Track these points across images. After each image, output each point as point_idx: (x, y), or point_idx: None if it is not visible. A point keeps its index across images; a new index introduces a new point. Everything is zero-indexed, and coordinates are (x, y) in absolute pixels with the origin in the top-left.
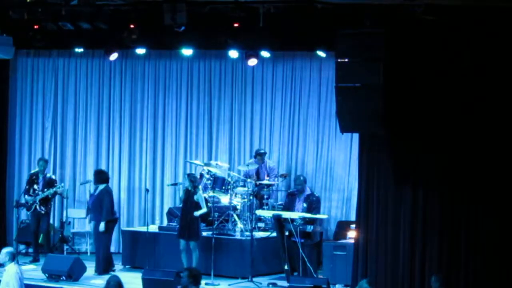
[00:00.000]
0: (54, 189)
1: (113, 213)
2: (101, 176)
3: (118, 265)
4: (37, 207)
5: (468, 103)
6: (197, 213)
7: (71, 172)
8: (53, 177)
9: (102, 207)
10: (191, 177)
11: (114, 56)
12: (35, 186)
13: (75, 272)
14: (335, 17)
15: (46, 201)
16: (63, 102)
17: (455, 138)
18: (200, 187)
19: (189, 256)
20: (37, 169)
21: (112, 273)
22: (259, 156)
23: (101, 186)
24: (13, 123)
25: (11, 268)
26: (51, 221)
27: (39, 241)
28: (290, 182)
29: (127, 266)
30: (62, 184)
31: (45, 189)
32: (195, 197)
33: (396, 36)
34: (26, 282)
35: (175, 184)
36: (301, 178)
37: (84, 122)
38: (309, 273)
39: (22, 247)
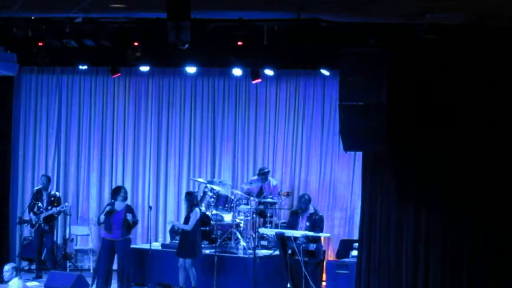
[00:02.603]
0: (58, 208)
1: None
2: (126, 193)
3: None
4: (41, 224)
5: (472, 122)
6: (180, 225)
7: (74, 189)
8: (57, 194)
9: (135, 219)
10: (187, 197)
11: (116, 74)
12: (39, 204)
13: None
14: (339, 36)
15: (51, 219)
16: (67, 119)
17: (458, 157)
18: (203, 206)
19: (187, 274)
20: (40, 186)
21: None
22: (263, 175)
23: (124, 204)
24: (16, 139)
25: (15, 283)
26: (54, 238)
27: (42, 257)
28: (293, 200)
29: (130, 284)
30: (66, 204)
31: (49, 207)
32: (191, 214)
33: (399, 55)
34: None
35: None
36: (306, 197)
37: (87, 139)
38: None
39: (25, 263)
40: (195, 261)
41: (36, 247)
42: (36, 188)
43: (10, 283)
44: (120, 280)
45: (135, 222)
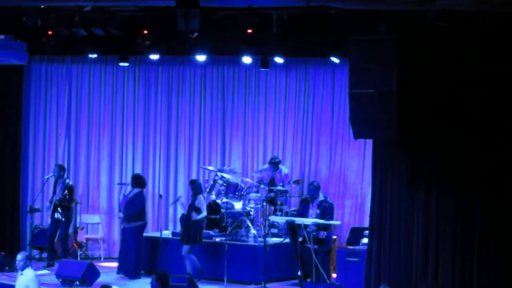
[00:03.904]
0: (56, 197)
1: (143, 218)
2: (138, 181)
3: None
4: (55, 213)
5: (483, 109)
6: (196, 217)
7: (84, 177)
8: (70, 184)
9: (134, 209)
10: (192, 184)
11: (123, 63)
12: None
13: (89, 277)
14: (349, 23)
15: (66, 208)
16: (77, 108)
17: (469, 143)
18: (213, 194)
19: (190, 260)
20: (51, 174)
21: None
22: (274, 164)
23: (136, 190)
24: (27, 129)
25: (30, 272)
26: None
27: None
28: (303, 188)
29: (140, 271)
30: (50, 197)
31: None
32: (196, 202)
33: (410, 42)
34: None
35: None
36: (315, 184)
37: (97, 128)
38: (322, 279)
39: (35, 252)
40: (193, 248)
41: (50, 235)
42: (50, 176)
43: (24, 272)
44: (121, 268)
45: (134, 213)
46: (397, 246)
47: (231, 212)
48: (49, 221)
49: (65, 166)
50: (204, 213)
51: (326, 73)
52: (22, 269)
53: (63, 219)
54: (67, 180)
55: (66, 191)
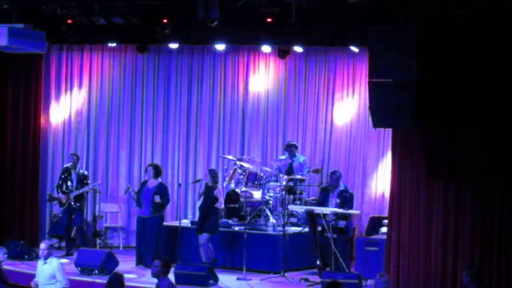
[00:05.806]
0: (91, 186)
1: (164, 208)
2: (159, 170)
3: None
4: (72, 203)
5: (503, 99)
6: (220, 205)
7: (103, 166)
8: (86, 173)
9: (164, 200)
10: (212, 172)
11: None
12: (69, 183)
13: (108, 266)
14: (368, 12)
15: (81, 197)
16: (96, 97)
17: (488, 134)
18: (232, 183)
19: (207, 249)
20: (69, 164)
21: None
22: (289, 147)
23: (157, 181)
24: (46, 117)
25: (55, 261)
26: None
27: (72, 234)
28: (322, 177)
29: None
30: (99, 182)
31: (79, 186)
32: (215, 192)
33: (429, 31)
34: None
35: (198, 181)
36: (337, 174)
37: (117, 117)
38: (341, 269)
39: (54, 241)
40: (212, 237)
41: (65, 225)
42: (65, 166)
43: (48, 260)
44: (138, 256)
45: (163, 204)
46: (416, 235)
47: (250, 201)
48: None
49: (85, 155)
50: (222, 205)
51: (345, 61)
52: (46, 258)
53: (77, 207)
54: (80, 170)
55: (87, 179)
